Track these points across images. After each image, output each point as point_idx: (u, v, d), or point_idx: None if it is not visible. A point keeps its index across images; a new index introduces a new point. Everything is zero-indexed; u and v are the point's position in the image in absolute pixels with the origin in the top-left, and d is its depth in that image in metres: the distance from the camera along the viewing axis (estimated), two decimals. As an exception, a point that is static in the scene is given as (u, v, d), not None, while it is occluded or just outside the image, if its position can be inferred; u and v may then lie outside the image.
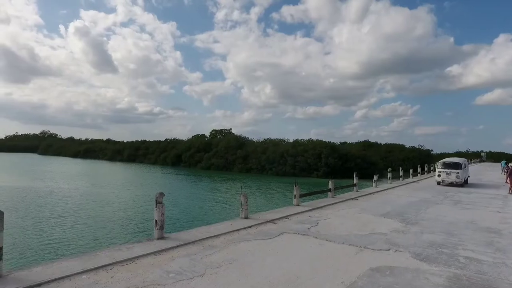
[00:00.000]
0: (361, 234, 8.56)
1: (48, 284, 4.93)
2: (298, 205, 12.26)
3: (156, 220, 7.36)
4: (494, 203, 14.69)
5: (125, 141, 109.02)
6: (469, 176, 23.88)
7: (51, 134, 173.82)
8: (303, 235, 8.31)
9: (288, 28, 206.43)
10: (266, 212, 11.26)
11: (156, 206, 7.32)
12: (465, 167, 21.58)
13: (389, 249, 7.25)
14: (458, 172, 20.37)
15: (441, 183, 21.02)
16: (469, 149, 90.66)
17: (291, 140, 67.42)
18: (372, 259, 6.56)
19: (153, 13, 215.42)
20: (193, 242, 7.28)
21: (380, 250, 7.20)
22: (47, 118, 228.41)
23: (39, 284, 4.89)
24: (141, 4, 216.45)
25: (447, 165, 21.11)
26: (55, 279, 5.08)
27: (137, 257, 6.18)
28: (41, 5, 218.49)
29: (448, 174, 20.64)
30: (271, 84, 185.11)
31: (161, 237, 7.37)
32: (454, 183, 20.49)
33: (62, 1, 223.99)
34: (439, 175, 21.12)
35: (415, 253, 7.01)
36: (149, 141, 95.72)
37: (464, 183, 21.25)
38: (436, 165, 22.43)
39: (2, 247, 5.08)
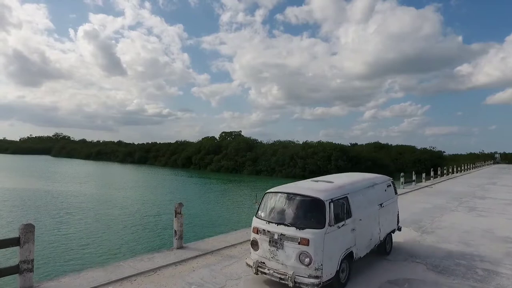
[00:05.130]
0: (376, 243, 8.56)
1: (77, 295, 5.14)
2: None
3: (175, 230, 7.55)
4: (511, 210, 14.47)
5: (135, 143, 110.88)
6: (398, 229, 8.10)
7: (64, 137, 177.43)
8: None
9: (294, 29, 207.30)
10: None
11: (176, 217, 7.50)
12: (359, 212, 5.97)
13: (405, 260, 7.27)
14: (307, 241, 4.87)
15: (258, 272, 5.38)
16: (482, 150, 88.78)
17: (300, 142, 67.43)
18: (389, 270, 6.60)
19: (160, 16, 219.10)
20: (212, 252, 7.45)
21: (397, 261, 7.23)
22: (59, 120, 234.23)
23: (69, 296, 5.10)
24: (148, 7, 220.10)
25: (279, 206, 5.71)
26: (83, 291, 5.29)
27: (159, 268, 6.36)
28: (51, 10, 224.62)
29: (274, 244, 5.17)
30: (277, 85, 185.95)
31: (180, 247, 7.55)
32: (288, 279, 4.87)
33: (71, 5, 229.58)
34: (254, 242, 5.59)
35: (432, 264, 7.02)
36: (159, 143, 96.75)
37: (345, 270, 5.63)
38: (255, 204, 6.54)
39: (33, 259, 5.31)
